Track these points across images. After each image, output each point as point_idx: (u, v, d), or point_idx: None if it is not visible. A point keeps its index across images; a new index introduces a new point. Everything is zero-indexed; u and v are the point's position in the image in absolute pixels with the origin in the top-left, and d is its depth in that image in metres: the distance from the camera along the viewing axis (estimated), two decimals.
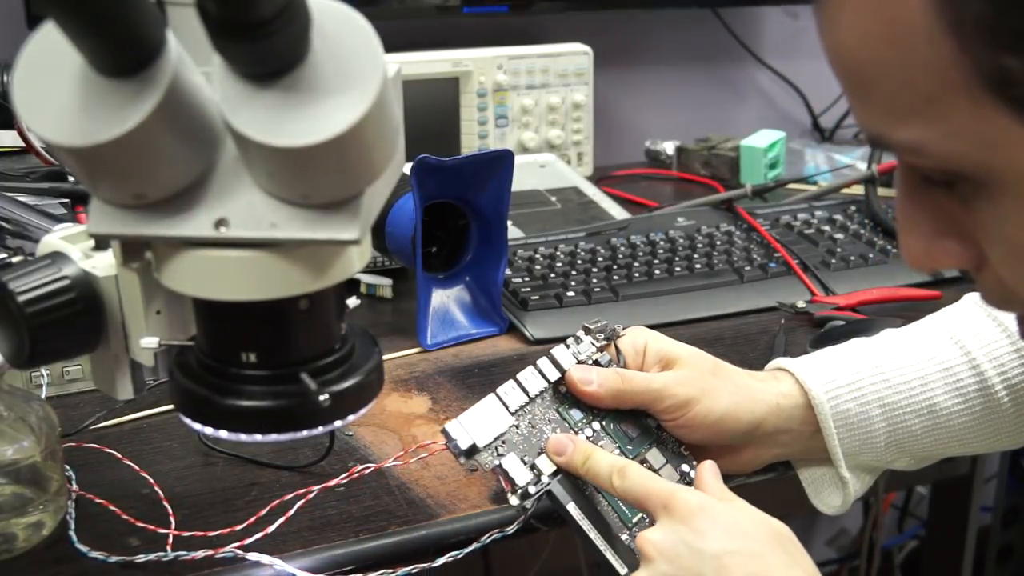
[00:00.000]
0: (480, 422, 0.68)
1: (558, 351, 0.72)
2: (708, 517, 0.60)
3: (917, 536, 1.93)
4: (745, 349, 0.96)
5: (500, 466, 0.67)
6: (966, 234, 0.46)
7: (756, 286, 1.06)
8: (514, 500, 0.67)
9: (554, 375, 0.71)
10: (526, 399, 0.70)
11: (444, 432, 0.67)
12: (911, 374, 0.74)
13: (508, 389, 0.70)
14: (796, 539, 0.61)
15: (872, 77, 0.43)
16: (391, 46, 0.46)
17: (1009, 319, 0.75)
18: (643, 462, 0.70)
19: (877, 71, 0.42)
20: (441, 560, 0.67)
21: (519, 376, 0.71)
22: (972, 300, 0.79)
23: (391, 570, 0.66)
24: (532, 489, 0.67)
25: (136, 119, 0.43)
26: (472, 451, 0.67)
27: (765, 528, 0.60)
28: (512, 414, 0.69)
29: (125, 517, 0.68)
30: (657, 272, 1.06)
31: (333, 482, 0.71)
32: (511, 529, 0.68)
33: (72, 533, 0.66)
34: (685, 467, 0.72)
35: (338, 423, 0.55)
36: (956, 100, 0.40)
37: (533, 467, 0.68)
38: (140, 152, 0.45)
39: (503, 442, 0.68)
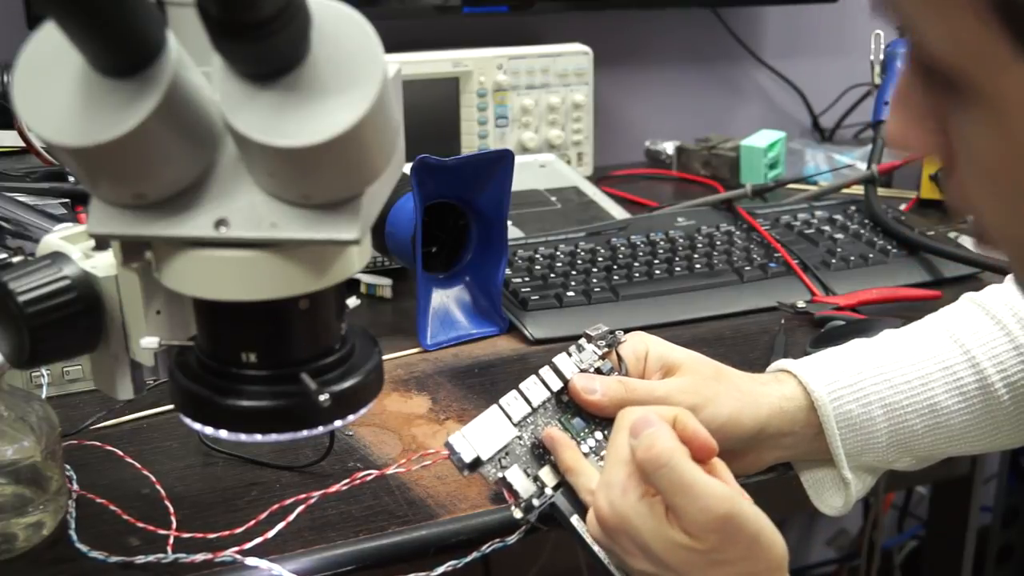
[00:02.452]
0: (483, 434, 0.68)
1: (560, 360, 0.72)
2: (626, 535, 0.62)
3: (917, 536, 1.94)
4: (745, 349, 0.96)
5: (504, 479, 0.67)
6: (946, 132, 0.45)
7: (756, 286, 1.06)
8: (518, 513, 0.67)
9: (556, 384, 0.71)
10: (529, 410, 0.70)
11: (447, 445, 0.67)
12: (912, 374, 0.74)
13: (511, 400, 0.70)
14: (731, 534, 0.60)
15: None
16: (391, 46, 0.46)
17: (1008, 318, 0.75)
18: None
19: None
20: (440, 569, 0.67)
21: (521, 386, 0.70)
22: (971, 300, 0.79)
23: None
24: (536, 502, 0.67)
25: (136, 119, 0.43)
26: (476, 464, 0.67)
27: (682, 553, 0.60)
28: (515, 425, 0.69)
29: (126, 517, 0.68)
30: (657, 272, 1.06)
31: (334, 488, 0.71)
32: (512, 539, 0.68)
33: (72, 532, 0.66)
34: None
35: (338, 423, 0.55)
36: (963, 8, 0.40)
37: (536, 479, 0.68)
38: (140, 152, 0.45)
39: (506, 454, 0.68)
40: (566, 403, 0.71)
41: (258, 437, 0.54)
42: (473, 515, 0.70)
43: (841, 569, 1.94)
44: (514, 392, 0.70)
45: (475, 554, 0.68)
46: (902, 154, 0.47)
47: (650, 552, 0.61)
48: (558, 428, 0.70)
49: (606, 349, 0.73)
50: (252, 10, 0.41)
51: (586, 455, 0.69)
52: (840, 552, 1.97)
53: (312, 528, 0.68)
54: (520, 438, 0.69)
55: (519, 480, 0.67)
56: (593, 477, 0.66)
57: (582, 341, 0.72)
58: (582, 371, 0.71)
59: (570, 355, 0.72)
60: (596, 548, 0.65)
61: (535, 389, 0.70)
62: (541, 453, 0.69)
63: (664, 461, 0.60)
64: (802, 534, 1.99)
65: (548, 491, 0.67)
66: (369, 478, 0.73)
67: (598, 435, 0.70)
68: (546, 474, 0.68)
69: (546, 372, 0.71)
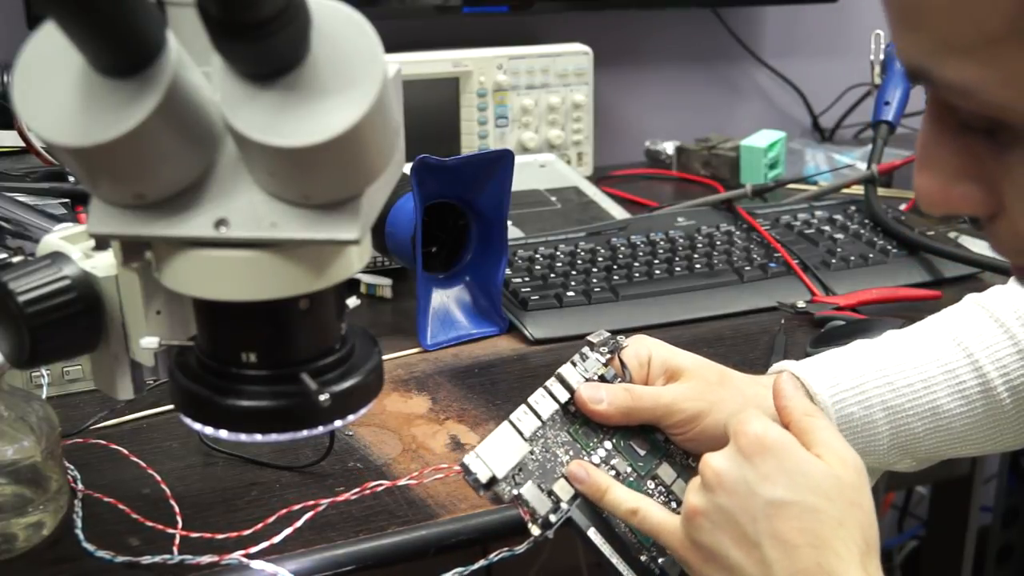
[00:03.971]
0: (497, 452, 0.67)
1: (566, 370, 0.71)
2: (774, 458, 0.59)
3: (917, 536, 1.93)
4: (745, 349, 0.96)
5: (520, 496, 0.66)
6: (987, 180, 0.44)
7: (756, 286, 1.06)
8: (535, 530, 0.66)
9: (564, 396, 0.70)
10: (539, 424, 0.69)
11: (463, 466, 0.66)
12: (914, 377, 0.74)
13: (521, 415, 0.69)
14: (864, 485, 0.60)
15: (931, 6, 0.40)
16: (391, 46, 0.46)
17: (1012, 322, 0.75)
18: (654, 478, 0.70)
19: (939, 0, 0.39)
20: None
21: (530, 400, 0.69)
22: (975, 302, 0.79)
23: None
24: (553, 517, 0.66)
25: (136, 119, 0.43)
26: (492, 483, 0.66)
27: (830, 480, 0.59)
28: (527, 440, 0.68)
29: (135, 516, 0.68)
30: (657, 272, 1.06)
31: (342, 497, 0.71)
32: (521, 548, 0.68)
33: (79, 532, 0.66)
34: None
35: (338, 423, 0.55)
36: (1021, 46, 0.38)
37: (551, 493, 0.67)
38: (140, 152, 0.45)
39: (520, 470, 0.67)
40: (573, 413, 0.70)
41: (258, 437, 0.54)
42: (473, 515, 0.70)
43: None
44: (524, 407, 0.69)
45: (482, 562, 0.67)
46: (942, 214, 0.45)
47: (798, 476, 0.59)
48: (568, 439, 0.69)
49: (609, 355, 0.72)
50: (252, 10, 0.41)
51: (597, 465, 0.68)
52: None
53: (312, 528, 0.68)
54: (532, 453, 0.68)
55: (534, 496, 0.66)
56: (623, 489, 0.66)
57: (585, 349, 0.72)
58: (587, 380, 0.71)
59: (574, 364, 0.71)
60: (615, 560, 0.65)
61: (544, 402, 0.69)
62: (553, 467, 0.68)
63: (813, 409, 0.64)
64: None
65: (564, 505, 0.67)
66: (380, 488, 0.72)
67: (607, 444, 0.70)
68: (560, 488, 0.67)
69: (553, 384, 0.70)
